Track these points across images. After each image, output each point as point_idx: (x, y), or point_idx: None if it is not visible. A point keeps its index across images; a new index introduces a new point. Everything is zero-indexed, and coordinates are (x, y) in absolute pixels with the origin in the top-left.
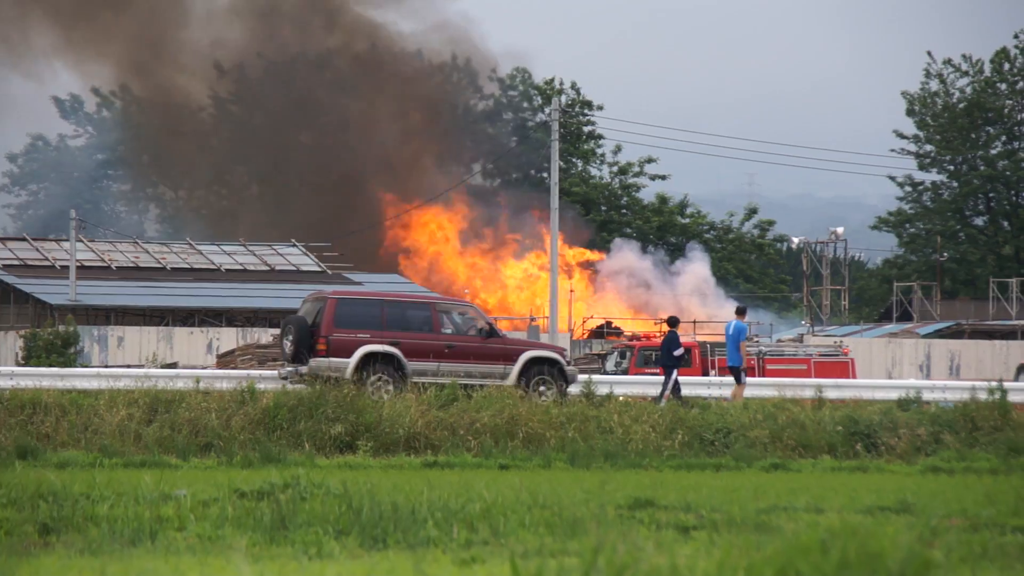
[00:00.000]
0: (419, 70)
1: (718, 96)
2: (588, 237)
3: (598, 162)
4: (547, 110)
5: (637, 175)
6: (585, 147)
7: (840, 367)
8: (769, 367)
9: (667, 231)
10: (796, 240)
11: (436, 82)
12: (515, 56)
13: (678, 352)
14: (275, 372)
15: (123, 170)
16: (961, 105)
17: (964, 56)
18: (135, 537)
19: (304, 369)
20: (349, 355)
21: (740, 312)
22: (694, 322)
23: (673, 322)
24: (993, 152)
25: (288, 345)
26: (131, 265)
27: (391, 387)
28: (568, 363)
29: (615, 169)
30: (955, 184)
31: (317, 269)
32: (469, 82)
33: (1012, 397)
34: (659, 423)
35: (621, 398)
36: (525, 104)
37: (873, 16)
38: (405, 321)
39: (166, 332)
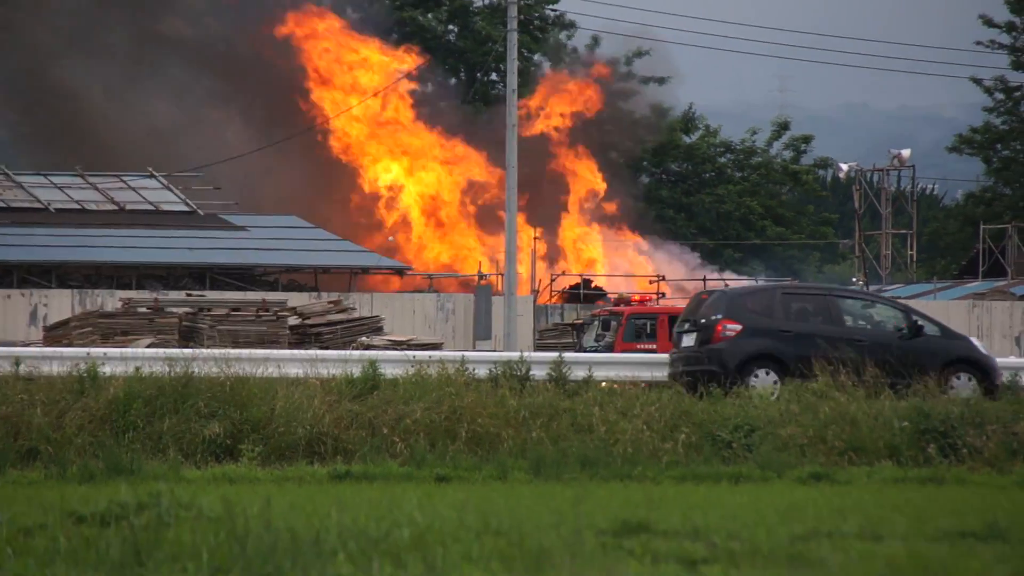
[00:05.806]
0: None
1: None
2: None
3: (568, 60)
4: None
5: (623, 78)
6: (550, 39)
7: None
8: None
9: (666, 155)
10: (845, 167)
11: None
12: None
13: None
14: (124, 350)
15: None
16: None
17: None
18: None
19: None
20: None
21: None
22: (704, 279)
23: None
24: None
25: None
26: None
27: None
28: None
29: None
30: None
31: (184, 208)
32: None
33: None
34: (656, 418)
35: (603, 384)
36: None
37: None
38: None
39: None
